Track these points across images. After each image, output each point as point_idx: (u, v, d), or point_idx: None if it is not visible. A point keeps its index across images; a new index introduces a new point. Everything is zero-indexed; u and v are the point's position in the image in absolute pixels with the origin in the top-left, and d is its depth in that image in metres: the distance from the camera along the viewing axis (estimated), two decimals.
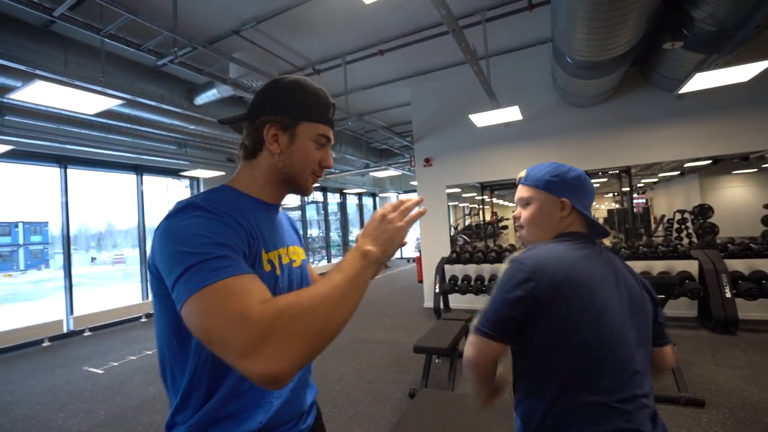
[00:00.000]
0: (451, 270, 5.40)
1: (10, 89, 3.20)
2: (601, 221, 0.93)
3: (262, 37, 3.98)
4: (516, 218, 0.97)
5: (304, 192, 0.79)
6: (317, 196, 11.23)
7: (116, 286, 11.80)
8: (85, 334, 5.38)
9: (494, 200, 7.83)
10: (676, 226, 5.42)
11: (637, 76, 4.46)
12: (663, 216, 5.93)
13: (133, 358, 4.18)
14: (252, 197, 0.74)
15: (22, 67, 2.95)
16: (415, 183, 7.00)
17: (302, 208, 10.61)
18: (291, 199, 10.52)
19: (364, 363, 3.57)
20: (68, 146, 4.80)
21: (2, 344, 4.63)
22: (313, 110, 0.75)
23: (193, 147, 6.05)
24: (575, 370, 0.76)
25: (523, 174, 0.97)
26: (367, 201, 13.76)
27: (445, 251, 5.55)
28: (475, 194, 7.83)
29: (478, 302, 5.20)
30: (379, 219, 0.69)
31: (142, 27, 2.92)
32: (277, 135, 0.73)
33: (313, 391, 0.85)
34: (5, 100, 3.60)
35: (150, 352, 4.32)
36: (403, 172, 8.79)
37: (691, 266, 4.14)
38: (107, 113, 4.16)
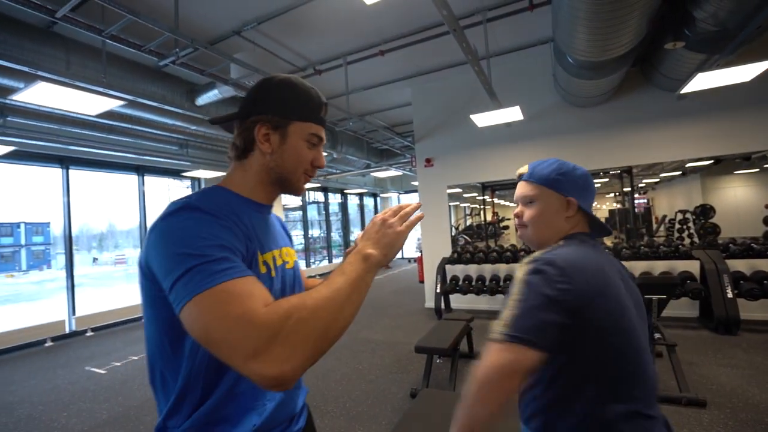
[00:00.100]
0: (452, 270, 5.40)
1: (13, 90, 3.21)
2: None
3: (264, 38, 3.98)
4: (518, 216, 0.91)
5: (296, 192, 0.78)
6: (318, 196, 11.24)
7: (118, 287, 11.81)
8: (87, 334, 5.39)
9: (495, 200, 7.83)
10: (677, 226, 5.41)
11: (638, 76, 4.46)
12: (664, 216, 5.92)
13: (135, 358, 4.19)
14: (245, 198, 0.74)
15: (25, 69, 2.96)
16: (416, 183, 7.00)
17: (303, 208, 10.63)
18: (292, 200, 10.53)
19: (366, 363, 3.57)
20: (70, 147, 4.81)
21: (5, 344, 4.66)
22: (305, 109, 0.74)
23: (194, 147, 6.06)
24: (613, 378, 0.71)
25: (524, 170, 0.92)
26: (368, 201, 13.77)
27: (447, 251, 5.55)
28: (476, 194, 7.83)
29: (480, 302, 5.20)
30: (380, 223, 0.70)
31: (143, 28, 2.94)
32: (268, 134, 0.72)
33: (303, 392, 0.85)
34: (8, 101, 3.61)
35: None
36: (404, 172, 8.79)
37: (693, 266, 4.13)
38: (109, 114, 4.17)
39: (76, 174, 5.72)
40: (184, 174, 6.84)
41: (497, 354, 0.68)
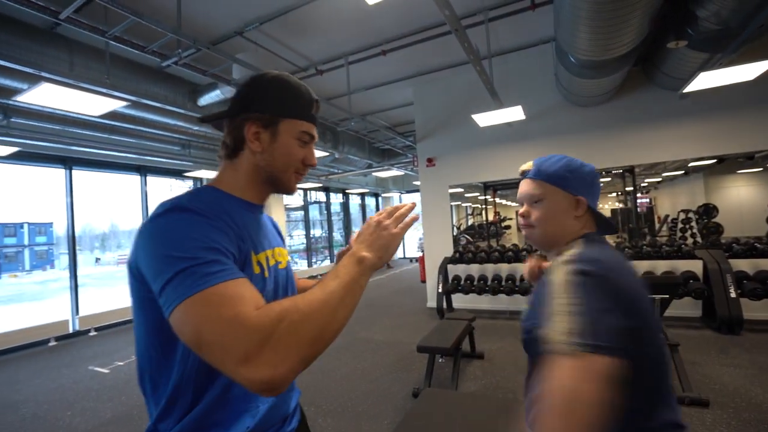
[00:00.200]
0: (454, 270, 5.40)
1: (17, 91, 3.23)
2: None
3: (265, 38, 3.99)
4: (525, 216, 0.84)
5: (287, 191, 0.77)
6: (320, 196, 11.25)
7: (120, 287, 11.86)
8: (91, 333, 5.42)
9: (497, 200, 7.82)
10: (680, 225, 5.40)
11: (640, 76, 4.45)
12: (667, 216, 5.90)
13: None
14: (236, 198, 0.72)
15: (29, 70, 2.98)
16: (417, 183, 7.00)
17: (305, 208, 10.64)
18: (294, 199, 10.56)
19: (368, 362, 3.58)
20: (73, 147, 4.84)
21: (10, 344, 4.69)
22: (296, 107, 0.73)
23: (196, 148, 6.08)
24: (656, 385, 0.67)
25: (528, 166, 0.86)
26: (370, 201, 13.78)
27: (448, 251, 5.55)
28: (478, 194, 7.82)
29: (482, 302, 5.20)
30: (375, 225, 0.69)
31: (146, 29, 2.95)
32: (258, 133, 0.70)
33: (296, 393, 0.84)
34: (11, 102, 3.64)
35: None
36: (406, 172, 8.80)
37: (696, 266, 4.12)
38: (111, 114, 4.19)
39: (79, 174, 5.75)
40: (186, 174, 6.86)
41: (574, 370, 0.54)
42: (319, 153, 5.76)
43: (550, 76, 4.79)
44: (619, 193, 6.51)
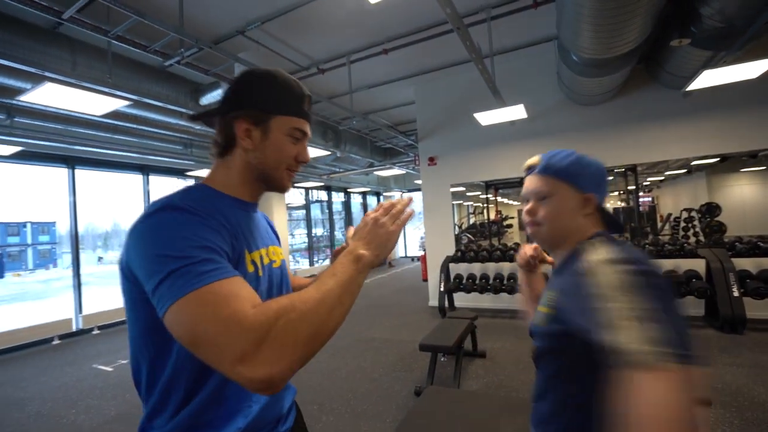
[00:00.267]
0: (455, 269, 5.40)
1: (20, 91, 3.24)
2: None
3: (267, 37, 4.00)
4: (531, 213, 0.79)
5: (280, 189, 0.75)
6: (321, 195, 11.26)
7: None
8: (94, 332, 5.45)
9: (499, 199, 7.81)
10: (682, 224, 5.38)
11: (643, 74, 4.43)
12: (669, 214, 5.89)
13: None
14: (229, 196, 0.71)
15: (32, 69, 2.99)
16: (419, 182, 6.99)
17: (307, 207, 10.66)
18: (295, 198, 10.57)
19: (370, 361, 3.59)
20: (75, 147, 4.86)
21: (14, 342, 4.72)
22: (287, 103, 0.71)
23: (198, 147, 6.09)
24: None
25: (535, 160, 0.81)
26: (372, 200, 13.78)
27: (450, 250, 5.55)
28: (480, 193, 7.82)
29: (483, 301, 5.20)
30: (372, 222, 0.68)
31: (148, 28, 2.96)
32: (249, 130, 0.69)
33: (292, 392, 0.83)
34: (14, 102, 3.65)
35: None
36: (408, 171, 8.79)
37: (698, 265, 4.11)
38: (114, 114, 4.20)
39: (82, 174, 5.78)
40: (189, 173, 6.88)
41: (670, 384, 0.47)
42: (320, 152, 5.76)
43: (552, 75, 4.77)
44: (622, 191, 6.49)
